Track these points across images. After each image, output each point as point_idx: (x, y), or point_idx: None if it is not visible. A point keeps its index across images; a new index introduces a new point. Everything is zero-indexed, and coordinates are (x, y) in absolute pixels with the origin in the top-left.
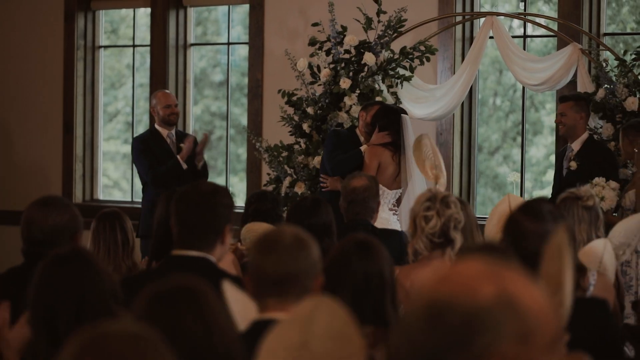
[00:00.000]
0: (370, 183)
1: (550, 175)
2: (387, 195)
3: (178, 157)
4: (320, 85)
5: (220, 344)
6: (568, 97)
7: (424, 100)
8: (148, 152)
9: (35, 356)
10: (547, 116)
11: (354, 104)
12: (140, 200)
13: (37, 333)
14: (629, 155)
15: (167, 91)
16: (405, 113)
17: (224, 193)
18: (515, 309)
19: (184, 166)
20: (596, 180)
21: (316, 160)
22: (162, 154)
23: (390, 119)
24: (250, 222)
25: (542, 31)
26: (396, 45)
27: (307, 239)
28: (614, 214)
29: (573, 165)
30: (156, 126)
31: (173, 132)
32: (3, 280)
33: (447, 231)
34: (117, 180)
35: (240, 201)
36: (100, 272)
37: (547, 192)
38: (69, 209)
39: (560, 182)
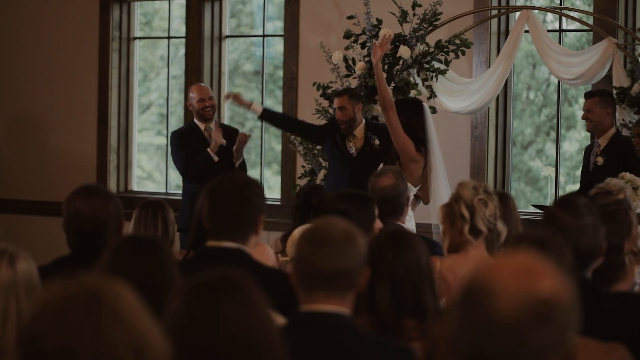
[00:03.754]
0: (397, 180)
1: None
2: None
3: (208, 150)
4: (355, 78)
5: (261, 337)
6: (593, 93)
7: (459, 94)
8: (184, 146)
9: None
10: (581, 111)
11: None
12: (174, 192)
13: None
14: None
15: (202, 84)
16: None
17: (255, 184)
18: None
19: (215, 158)
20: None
21: None
22: (199, 149)
23: (412, 118)
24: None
25: (577, 25)
26: (431, 39)
27: (356, 234)
28: None
29: (600, 160)
30: (195, 120)
31: (211, 125)
32: (50, 271)
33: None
34: (150, 171)
35: (274, 194)
36: (174, 266)
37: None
38: (112, 197)
39: (587, 178)
